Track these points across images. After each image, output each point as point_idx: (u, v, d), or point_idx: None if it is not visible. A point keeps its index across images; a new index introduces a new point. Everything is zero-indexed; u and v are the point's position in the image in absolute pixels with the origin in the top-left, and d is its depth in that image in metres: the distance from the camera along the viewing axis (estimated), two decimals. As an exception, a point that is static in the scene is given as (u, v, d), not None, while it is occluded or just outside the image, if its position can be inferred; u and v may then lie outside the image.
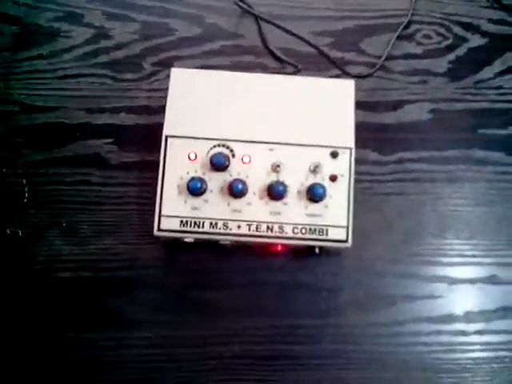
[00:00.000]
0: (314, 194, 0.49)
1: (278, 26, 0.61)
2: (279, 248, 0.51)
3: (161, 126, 0.52)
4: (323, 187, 0.49)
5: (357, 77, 0.60)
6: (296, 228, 0.50)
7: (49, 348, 0.52)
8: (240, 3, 0.63)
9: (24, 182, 0.56)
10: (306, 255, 0.53)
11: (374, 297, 0.54)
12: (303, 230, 0.50)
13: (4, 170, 0.57)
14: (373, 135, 0.59)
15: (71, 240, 0.54)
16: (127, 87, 0.60)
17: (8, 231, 0.54)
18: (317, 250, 0.52)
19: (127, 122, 0.59)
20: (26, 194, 0.56)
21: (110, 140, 0.58)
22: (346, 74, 0.59)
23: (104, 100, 0.60)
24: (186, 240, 0.51)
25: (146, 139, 0.58)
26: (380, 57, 0.61)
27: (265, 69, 0.61)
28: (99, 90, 0.60)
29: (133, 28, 0.63)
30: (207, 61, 0.62)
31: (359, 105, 0.55)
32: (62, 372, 0.52)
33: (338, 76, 0.61)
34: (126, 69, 0.61)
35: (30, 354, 0.52)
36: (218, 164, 0.50)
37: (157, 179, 0.50)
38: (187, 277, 0.54)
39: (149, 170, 0.55)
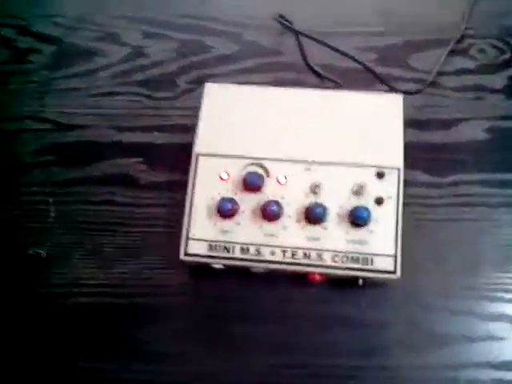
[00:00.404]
0: (358, 218, 0.44)
1: (320, 42, 0.58)
2: (317, 277, 0.46)
3: (190, 145, 0.48)
4: (367, 210, 0.44)
5: (405, 93, 0.55)
6: (336, 256, 0.45)
7: (61, 378, 0.48)
8: (280, 19, 0.60)
9: (50, 200, 0.54)
10: (348, 286, 0.47)
11: (424, 335, 0.48)
12: (344, 259, 0.45)
13: (33, 189, 0.55)
14: (423, 155, 0.53)
15: (94, 263, 0.51)
16: (161, 105, 0.58)
17: (30, 251, 0.52)
18: (360, 282, 0.46)
19: (159, 141, 0.56)
20: (52, 214, 0.54)
21: (140, 159, 0.56)
22: (393, 91, 0.55)
23: (137, 118, 0.58)
24: (215, 266, 0.47)
25: (178, 159, 0.54)
26: (430, 73, 0.57)
27: (304, 85, 0.57)
28: (132, 109, 0.58)
29: (169, 46, 0.61)
30: (245, 78, 0.59)
31: (408, 123, 0.50)
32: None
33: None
34: (161, 87, 0.59)
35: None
36: (252, 184, 0.46)
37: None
38: (215, 307, 0.49)
39: (179, 190, 0.52)
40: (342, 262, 0.45)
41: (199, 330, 0.49)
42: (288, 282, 0.48)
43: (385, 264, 0.45)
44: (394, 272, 0.44)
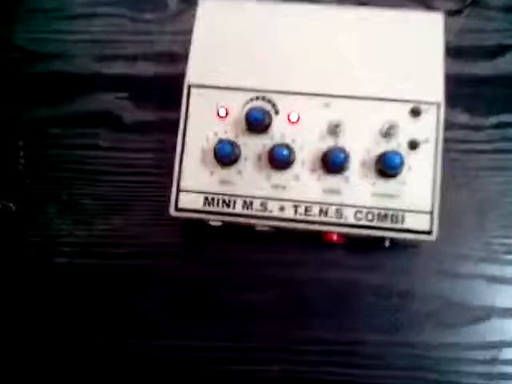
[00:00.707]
0: (387, 166, 0.36)
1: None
2: (335, 238, 0.38)
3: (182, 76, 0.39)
4: (399, 156, 0.35)
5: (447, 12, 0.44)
6: (360, 212, 0.37)
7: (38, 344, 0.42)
8: None
9: (20, 144, 0.46)
10: (372, 248, 0.39)
11: (458, 308, 0.40)
12: (369, 216, 0.37)
13: (-1, 130, 0.47)
14: (463, 90, 0.44)
15: (72, 218, 0.43)
16: (147, 29, 0.48)
17: (-1, 204, 0.44)
18: (387, 243, 0.38)
19: (145, 72, 0.47)
20: (22, 160, 0.45)
21: (124, 94, 0.47)
22: (429, 10, 0.44)
23: (119, 45, 0.48)
24: (211, 223, 0.39)
25: (169, 93, 0.45)
26: (475, -12, 0.46)
27: (320, 1, 0.47)
28: (114, 33, 0.48)
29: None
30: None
31: (446, 51, 0.40)
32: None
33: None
34: (147, 7, 0.49)
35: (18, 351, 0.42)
36: (256, 122, 0.37)
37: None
38: (213, 271, 0.42)
39: (170, 131, 0.43)
40: (367, 219, 0.37)
41: (194, 299, 0.41)
42: (299, 243, 0.41)
43: (419, 222, 0.37)
44: (429, 232, 0.36)
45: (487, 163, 0.43)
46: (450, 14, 0.45)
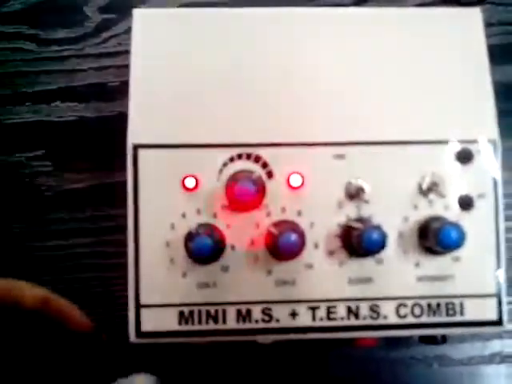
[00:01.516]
0: (442, 242, 0.25)
1: None
2: (371, 342, 0.27)
3: (126, 119, 0.26)
4: (457, 228, 0.25)
5: (463, 5, 0.34)
6: (403, 306, 0.26)
7: None
8: None
9: None
10: (417, 342, 0.29)
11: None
12: (416, 309, 0.26)
13: None
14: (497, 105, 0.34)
15: None
16: (60, 54, 0.34)
17: None
18: (439, 338, 0.28)
19: (66, 117, 0.33)
20: None
21: (37, 153, 0.33)
22: (443, 1, 0.34)
23: (22, 80, 0.34)
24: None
25: (103, 147, 0.32)
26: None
27: (300, 1, 0.35)
28: (11, 63, 0.34)
29: None
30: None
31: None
32: None
33: (426, 5, 0.35)
34: (57, 20, 0.35)
35: None
36: (244, 196, 0.25)
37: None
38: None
39: (112, 202, 0.31)
40: (414, 315, 0.26)
41: None
42: (317, 352, 0.29)
43: (482, 310, 0.26)
44: (498, 322, 0.26)
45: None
46: (473, 2, 0.34)
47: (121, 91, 0.33)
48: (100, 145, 0.33)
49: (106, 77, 0.34)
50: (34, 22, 0.34)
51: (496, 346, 0.31)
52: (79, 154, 0.33)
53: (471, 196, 0.26)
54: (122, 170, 0.28)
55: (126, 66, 0.31)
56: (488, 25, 0.34)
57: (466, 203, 0.26)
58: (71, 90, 0.34)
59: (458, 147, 0.26)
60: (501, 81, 0.34)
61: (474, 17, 0.28)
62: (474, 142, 0.27)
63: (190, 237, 0.24)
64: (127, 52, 0.31)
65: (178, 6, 0.35)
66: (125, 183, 0.26)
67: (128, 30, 0.33)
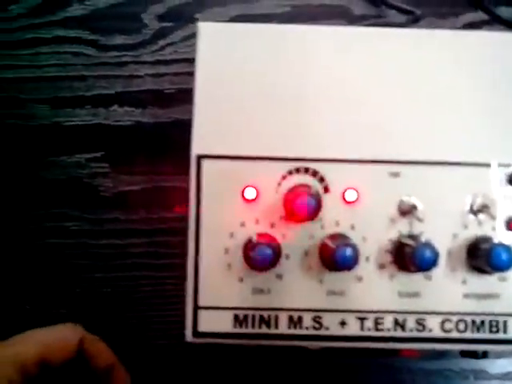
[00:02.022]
0: (492, 263, 0.26)
1: None
2: (415, 353, 0.28)
3: (184, 128, 0.28)
4: (508, 250, 0.26)
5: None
6: (448, 321, 0.27)
7: None
8: None
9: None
10: (456, 355, 0.30)
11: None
12: (461, 325, 0.27)
13: None
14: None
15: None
16: (118, 60, 0.36)
17: None
18: (479, 353, 0.29)
19: (124, 121, 0.35)
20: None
21: (97, 155, 0.34)
22: (494, 21, 0.34)
23: (81, 84, 0.35)
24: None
25: (159, 150, 0.34)
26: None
27: (350, 19, 0.36)
28: (72, 67, 0.35)
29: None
30: (250, 8, 0.36)
31: None
32: None
33: (475, 25, 0.36)
34: (116, 27, 0.36)
35: None
36: (303, 210, 0.26)
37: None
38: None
39: (169, 205, 0.32)
40: (458, 330, 0.27)
41: None
42: (366, 362, 0.31)
43: (526, 329, 0.27)
44: (541, 341, 0.27)
45: None
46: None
47: (176, 98, 0.34)
48: (155, 149, 0.34)
49: (162, 84, 0.35)
50: (94, 27, 0.36)
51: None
52: (135, 158, 0.34)
53: (520, 218, 0.27)
54: (176, 174, 0.30)
55: (182, 74, 0.32)
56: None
57: (513, 225, 0.27)
58: (128, 95, 0.35)
59: (509, 170, 0.27)
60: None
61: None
62: (524, 166, 0.27)
63: (250, 245, 0.26)
64: (183, 60, 0.32)
65: (229, 18, 0.36)
66: (177, 188, 0.27)
67: (184, 39, 0.35)
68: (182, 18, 0.36)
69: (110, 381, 0.27)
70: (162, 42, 0.36)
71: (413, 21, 0.35)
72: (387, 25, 0.36)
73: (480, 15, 0.35)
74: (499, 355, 0.31)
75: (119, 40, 0.36)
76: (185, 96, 0.31)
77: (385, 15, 0.36)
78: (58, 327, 0.26)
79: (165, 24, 0.36)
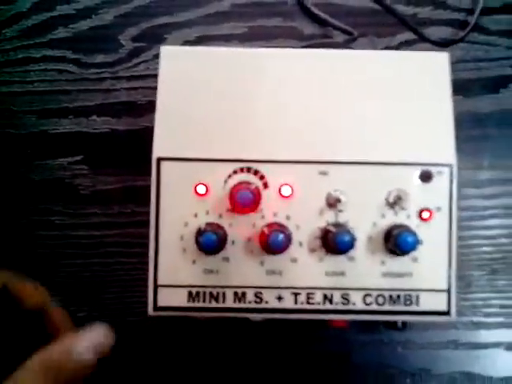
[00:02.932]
0: (399, 245, 0.31)
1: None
2: (342, 324, 0.33)
3: (150, 132, 0.33)
4: (412, 234, 0.31)
5: (438, 44, 0.40)
6: (369, 296, 0.32)
7: None
8: None
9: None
10: (383, 328, 0.35)
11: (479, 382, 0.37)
12: (380, 299, 0.32)
13: None
14: (466, 132, 0.39)
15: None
16: (98, 76, 0.41)
17: None
18: (399, 324, 0.34)
19: (101, 129, 0.40)
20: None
21: (76, 158, 0.39)
22: (423, 40, 0.39)
23: (65, 97, 0.40)
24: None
25: (131, 154, 0.39)
26: (471, 11, 0.41)
27: (300, 38, 0.41)
28: (57, 83, 0.41)
29: (102, -15, 0.43)
30: (212, 29, 0.42)
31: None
32: None
33: (409, 43, 0.41)
34: (96, 47, 0.41)
35: None
36: (244, 202, 0.31)
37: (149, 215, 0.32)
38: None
39: (137, 201, 0.37)
40: (377, 303, 0.32)
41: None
42: (300, 328, 0.36)
43: (435, 303, 0.32)
44: (447, 313, 0.32)
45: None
46: (446, 43, 0.40)
47: (148, 109, 0.39)
48: (128, 153, 0.39)
49: (135, 96, 0.40)
50: (76, 48, 0.41)
51: (453, 334, 0.37)
52: (111, 161, 0.39)
53: (430, 209, 0.32)
54: (145, 174, 0.34)
55: (153, 88, 0.37)
56: (463, 61, 0.40)
57: (424, 215, 0.32)
58: (106, 106, 0.40)
59: (421, 169, 0.32)
60: (471, 111, 0.40)
61: (442, 59, 0.34)
62: (434, 165, 0.32)
63: (199, 232, 0.31)
64: (154, 76, 0.37)
65: (195, 38, 0.41)
66: (147, 186, 0.32)
67: (155, 57, 0.40)
68: (153, 39, 0.41)
69: (44, 320, 0.28)
70: (135, 60, 0.41)
71: (353, 40, 0.40)
72: (332, 44, 0.41)
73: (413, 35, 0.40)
74: (424, 328, 0.36)
75: (99, 58, 0.41)
76: (155, 107, 0.36)
77: (330, 35, 0.41)
78: None
79: (138, 44, 0.41)
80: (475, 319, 0.37)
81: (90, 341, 0.25)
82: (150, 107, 0.39)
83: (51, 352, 0.24)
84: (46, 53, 0.41)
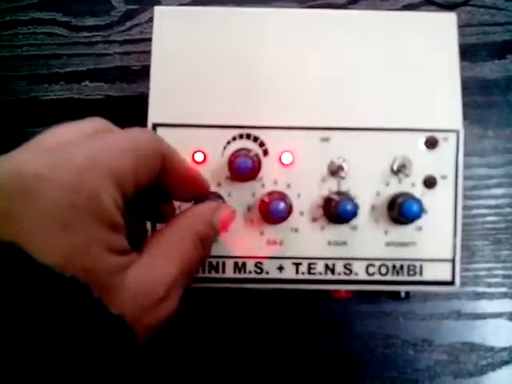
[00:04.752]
0: (404, 213, 0.30)
1: None
2: (344, 294, 0.33)
3: (146, 98, 0.31)
4: (417, 202, 0.30)
5: (444, 7, 0.38)
6: (372, 265, 0.31)
7: None
8: None
9: None
10: (386, 299, 0.34)
11: (475, 364, 0.36)
12: (383, 269, 0.32)
13: None
14: (471, 99, 0.38)
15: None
16: (89, 39, 0.39)
17: None
18: (402, 294, 0.33)
19: (93, 96, 0.38)
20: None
21: (68, 125, 0.38)
22: (428, 3, 0.38)
23: (56, 62, 0.39)
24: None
25: (125, 122, 0.37)
26: (477, -28, 0.39)
27: (300, 0, 0.39)
28: (47, 47, 0.39)
29: None
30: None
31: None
32: None
33: (413, 6, 0.39)
34: (87, 9, 0.39)
35: None
36: (243, 169, 0.30)
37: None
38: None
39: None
40: (380, 273, 0.32)
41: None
42: (302, 299, 0.35)
43: (439, 273, 0.32)
44: (451, 283, 0.32)
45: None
46: (451, 6, 0.38)
47: (142, 74, 0.38)
48: (122, 120, 0.37)
49: (129, 61, 0.39)
50: (67, 10, 0.39)
51: (455, 305, 0.36)
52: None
53: (435, 176, 0.31)
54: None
55: (147, 52, 0.35)
56: (469, 25, 0.39)
57: (429, 183, 0.31)
58: (99, 71, 0.39)
59: (426, 135, 0.31)
60: (476, 76, 0.38)
61: (449, 20, 0.33)
62: (440, 130, 0.31)
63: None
64: (148, 40, 0.36)
65: (191, 0, 0.40)
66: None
67: (149, 20, 0.38)
68: (147, 1, 0.39)
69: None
70: (129, 23, 0.39)
71: (354, 1, 0.38)
72: (333, 5, 0.39)
73: (418, -4, 0.38)
74: (425, 298, 0.36)
75: (90, 21, 0.39)
76: (149, 72, 0.34)
77: (332, -4, 0.39)
78: (139, 134, 0.22)
79: (132, 6, 0.39)
80: (478, 289, 0.36)
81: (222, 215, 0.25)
82: (144, 72, 0.37)
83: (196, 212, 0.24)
84: (34, 15, 0.39)
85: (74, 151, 0.19)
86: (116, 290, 0.18)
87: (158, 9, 0.32)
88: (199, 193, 0.26)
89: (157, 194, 0.25)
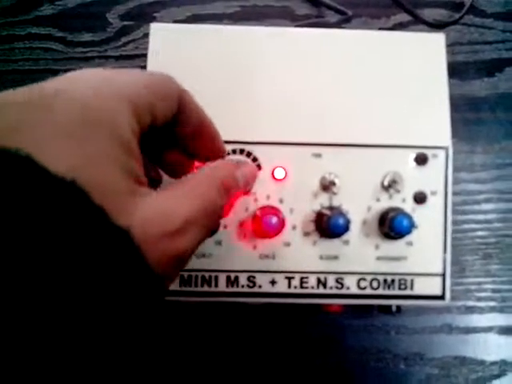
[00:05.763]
0: (395, 228, 0.30)
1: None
2: (336, 308, 0.33)
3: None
4: (408, 217, 0.30)
5: (434, 26, 0.39)
6: (363, 280, 0.32)
7: None
8: None
9: None
10: (378, 313, 0.35)
11: (472, 365, 0.37)
12: (374, 283, 0.32)
13: None
14: (461, 116, 0.39)
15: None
16: (85, 55, 0.40)
17: None
18: (394, 308, 0.34)
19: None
20: None
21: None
22: (418, 22, 0.39)
23: (52, 77, 0.39)
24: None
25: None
26: (466, -7, 0.41)
27: (293, 18, 0.40)
28: (43, 62, 0.39)
29: (89, -40, 0.41)
30: (204, 8, 0.40)
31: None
32: None
33: (403, 25, 0.40)
34: (83, 25, 0.40)
35: None
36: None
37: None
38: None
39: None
40: (372, 287, 0.32)
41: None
42: (294, 313, 0.35)
43: (429, 287, 0.32)
44: (441, 297, 0.32)
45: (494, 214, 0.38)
46: (441, 25, 0.39)
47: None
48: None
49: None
50: (63, 25, 0.40)
51: (446, 319, 0.37)
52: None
53: (425, 192, 0.32)
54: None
55: (142, 68, 0.36)
56: (458, 44, 0.39)
57: (420, 198, 0.32)
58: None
59: (416, 151, 0.32)
60: (466, 94, 0.39)
61: (438, 41, 0.33)
62: (429, 147, 0.32)
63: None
64: (143, 55, 0.36)
65: (186, 17, 0.40)
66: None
67: (144, 36, 0.39)
68: (143, 17, 0.40)
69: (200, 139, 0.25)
70: (124, 39, 0.40)
71: (346, 20, 0.39)
72: (325, 23, 0.40)
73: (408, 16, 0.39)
74: (417, 312, 0.36)
75: (86, 37, 0.40)
76: (144, 87, 0.35)
77: (323, 15, 0.40)
78: (157, 73, 0.22)
79: (127, 23, 0.40)
80: (469, 303, 0.37)
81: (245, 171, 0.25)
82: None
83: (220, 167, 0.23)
84: (30, 30, 0.40)
85: (90, 75, 0.19)
86: (125, 210, 0.16)
87: (154, 26, 0.33)
88: (215, 148, 0.26)
89: (174, 144, 0.24)
